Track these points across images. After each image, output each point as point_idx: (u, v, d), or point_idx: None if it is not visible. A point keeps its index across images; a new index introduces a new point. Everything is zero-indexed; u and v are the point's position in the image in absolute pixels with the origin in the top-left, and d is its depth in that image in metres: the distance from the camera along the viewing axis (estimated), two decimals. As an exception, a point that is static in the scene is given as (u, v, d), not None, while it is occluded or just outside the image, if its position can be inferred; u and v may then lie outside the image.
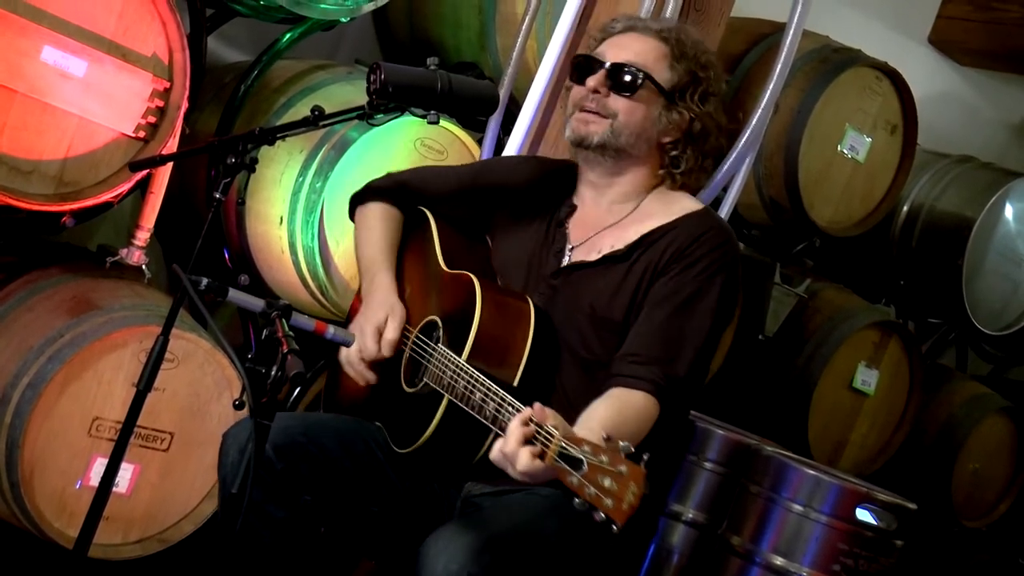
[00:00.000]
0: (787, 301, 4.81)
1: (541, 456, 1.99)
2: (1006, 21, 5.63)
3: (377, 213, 2.72)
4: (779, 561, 3.29)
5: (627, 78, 2.48)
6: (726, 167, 3.52)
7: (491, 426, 2.19)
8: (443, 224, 2.68)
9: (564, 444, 1.95)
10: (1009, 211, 5.19)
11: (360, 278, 2.70)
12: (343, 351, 2.56)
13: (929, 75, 5.80)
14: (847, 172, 4.53)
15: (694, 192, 2.63)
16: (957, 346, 5.98)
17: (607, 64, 2.50)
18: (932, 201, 5.24)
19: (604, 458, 1.92)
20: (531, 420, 2.03)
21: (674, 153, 2.54)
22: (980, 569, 5.59)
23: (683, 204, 2.54)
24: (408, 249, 2.71)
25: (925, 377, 5.00)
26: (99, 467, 3.14)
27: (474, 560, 2.14)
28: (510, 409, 2.14)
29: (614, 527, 1.91)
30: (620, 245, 2.49)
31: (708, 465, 3.52)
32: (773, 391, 4.75)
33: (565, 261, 2.53)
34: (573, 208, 2.60)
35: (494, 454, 2.07)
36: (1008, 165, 5.64)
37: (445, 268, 2.57)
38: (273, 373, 2.09)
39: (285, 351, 2.09)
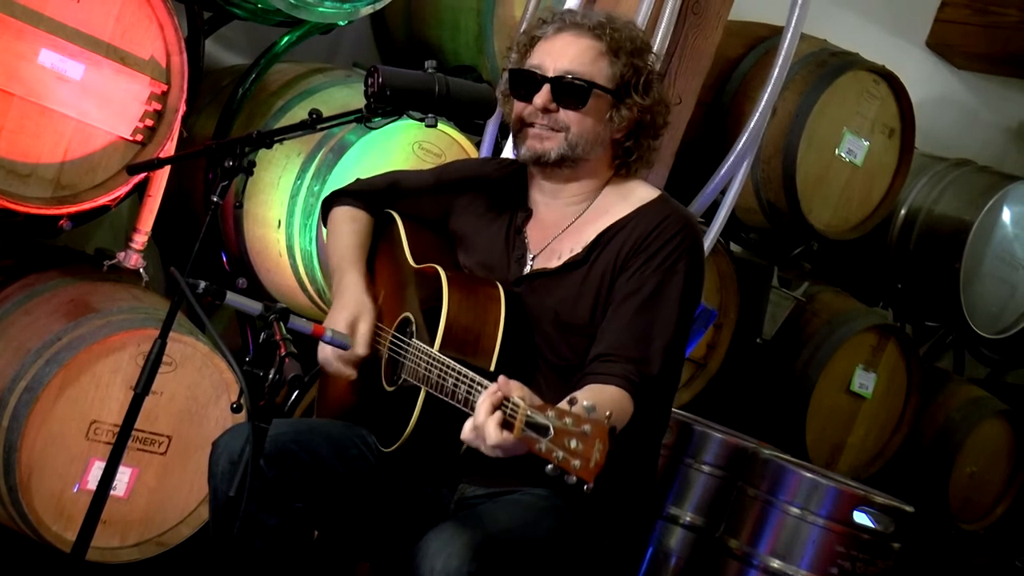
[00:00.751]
0: (785, 304, 4.81)
1: (509, 427, 2.00)
2: (1004, 25, 5.64)
3: (345, 215, 2.73)
4: (776, 564, 3.30)
5: (574, 91, 2.46)
6: (724, 170, 3.53)
7: (464, 409, 2.18)
8: (411, 223, 2.69)
9: (530, 412, 1.96)
10: (1007, 215, 5.19)
11: (331, 280, 2.69)
12: (321, 351, 2.55)
13: (927, 78, 5.81)
14: (845, 175, 4.53)
15: (650, 165, 2.61)
16: (954, 349, 5.99)
17: (550, 77, 2.47)
18: (930, 205, 5.25)
19: (568, 420, 1.93)
20: (497, 392, 2.03)
21: (628, 145, 2.53)
22: (977, 572, 5.59)
23: (639, 194, 2.53)
24: (379, 252, 2.71)
25: (923, 380, 5.01)
26: (97, 470, 3.14)
27: (473, 558, 2.14)
28: (479, 388, 2.13)
29: (585, 487, 1.91)
30: (578, 248, 2.48)
31: (706, 468, 3.53)
32: (771, 394, 4.74)
33: (527, 269, 2.52)
34: (529, 213, 2.59)
35: (465, 433, 2.06)
36: (1006, 169, 5.66)
37: (414, 265, 2.58)
38: (271, 376, 2.09)
39: (283, 354, 2.09)
